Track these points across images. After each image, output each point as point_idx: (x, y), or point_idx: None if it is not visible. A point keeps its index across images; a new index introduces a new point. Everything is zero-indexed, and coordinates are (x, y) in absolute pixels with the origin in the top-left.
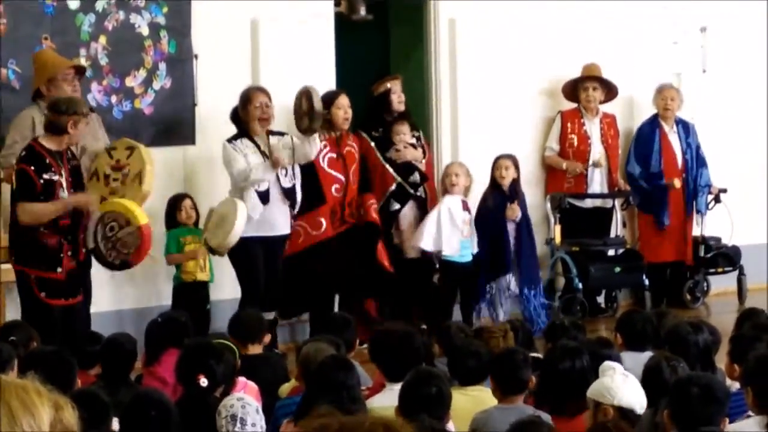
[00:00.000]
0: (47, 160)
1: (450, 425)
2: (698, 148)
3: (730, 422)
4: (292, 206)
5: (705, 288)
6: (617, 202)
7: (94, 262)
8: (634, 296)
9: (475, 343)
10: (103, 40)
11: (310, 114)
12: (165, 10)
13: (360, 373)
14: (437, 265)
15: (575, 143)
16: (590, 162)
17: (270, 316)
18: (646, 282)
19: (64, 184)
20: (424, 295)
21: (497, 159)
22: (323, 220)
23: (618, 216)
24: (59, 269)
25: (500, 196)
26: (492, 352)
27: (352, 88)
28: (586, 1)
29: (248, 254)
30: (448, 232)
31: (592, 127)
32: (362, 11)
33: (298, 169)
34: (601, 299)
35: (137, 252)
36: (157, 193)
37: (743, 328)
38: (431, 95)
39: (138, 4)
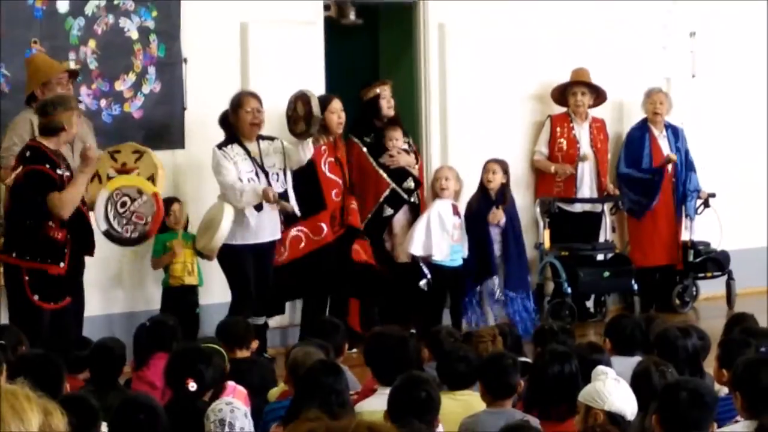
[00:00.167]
0: (53, 158)
1: (439, 429)
2: (687, 152)
3: (719, 427)
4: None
5: (694, 293)
6: (606, 207)
7: (92, 260)
8: (623, 301)
9: (464, 348)
10: (92, 44)
11: (307, 118)
12: (154, 14)
13: (349, 377)
14: (425, 270)
15: (564, 147)
16: (579, 156)
17: (260, 321)
18: (635, 287)
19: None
20: (413, 299)
21: (486, 163)
22: (324, 225)
23: (607, 221)
24: (62, 264)
25: (486, 200)
26: (481, 357)
27: (342, 92)
28: (576, 6)
29: (238, 261)
30: (437, 237)
31: (581, 132)
32: (352, 15)
33: (289, 175)
34: (590, 304)
35: (154, 220)
36: None
37: (732, 333)
38: (420, 100)
39: (127, 7)
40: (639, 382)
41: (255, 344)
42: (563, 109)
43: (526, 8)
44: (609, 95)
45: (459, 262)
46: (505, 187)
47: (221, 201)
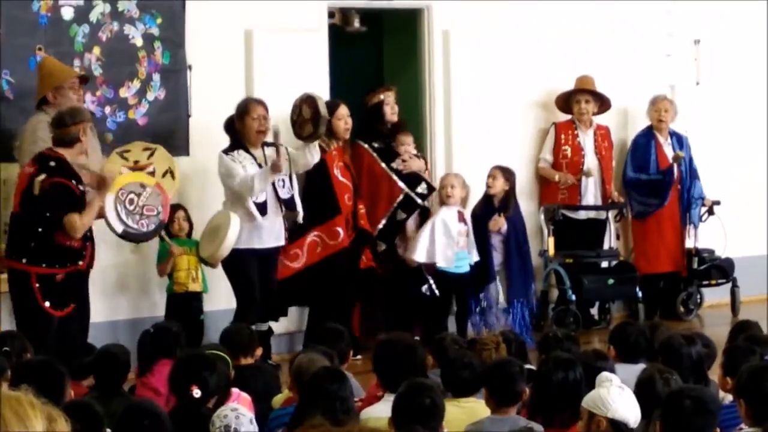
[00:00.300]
0: (76, 174)
1: None
2: (691, 160)
3: None
4: (291, 216)
5: (698, 300)
6: (611, 214)
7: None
8: (628, 308)
9: (469, 355)
10: (97, 50)
11: (314, 120)
12: (159, 21)
13: (353, 384)
14: (426, 276)
15: (569, 155)
16: (583, 171)
17: (264, 327)
18: (640, 294)
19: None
20: (419, 305)
21: (490, 169)
22: (340, 230)
23: (611, 228)
24: (81, 262)
25: (488, 207)
26: (484, 364)
27: (347, 99)
28: (580, 13)
29: (242, 266)
30: (442, 244)
31: (586, 139)
32: (356, 23)
33: (295, 181)
34: (594, 311)
35: (164, 208)
36: None
37: (736, 341)
38: (425, 107)
39: (132, 15)
40: (643, 390)
41: (259, 351)
42: (568, 117)
43: (531, 15)
44: (613, 102)
45: (465, 268)
46: (508, 195)
47: (227, 209)
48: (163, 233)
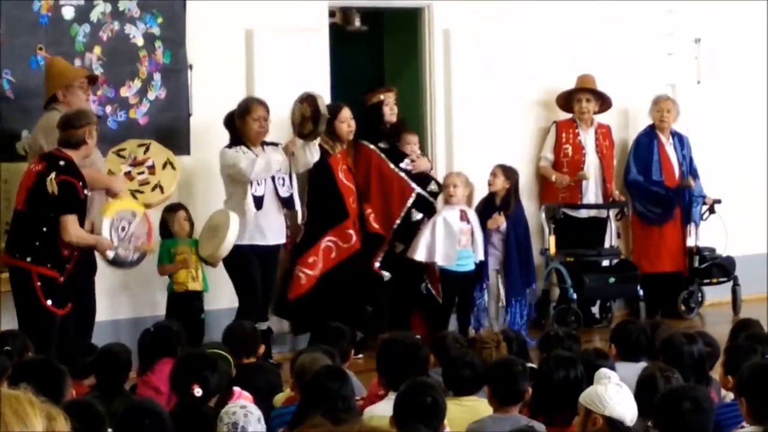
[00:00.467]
0: (83, 177)
1: None
2: (691, 159)
3: None
4: (291, 216)
5: (699, 298)
6: (612, 213)
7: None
8: (629, 307)
9: (470, 354)
10: (97, 50)
11: (314, 118)
12: (160, 20)
13: (354, 383)
14: (423, 276)
15: (570, 153)
16: (580, 174)
17: (263, 326)
18: (641, 292)
19: None
20: (420, 303)
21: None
22: (352, 232)
23: (612, 226)
24: (67, 266)
25: (488, 205)
26: (485, 363)
27: (347, 99)
28: (581, 12)
29: (244, 264)
30: (442, 243)
31: (587, 138)
32: (357, 22)
33: (295, 180)
34: (595, 310)
35: (148, 237)
36: None
37: (737, 339)
38: (426, 106)
39: (133, 14)
40: (644, 388)
41: (262, 349)
42: (569, 115)
43: (532, 14)
44: (614, 101)
45: (469, 267)
46: (509, 193)
47: (226, 208)
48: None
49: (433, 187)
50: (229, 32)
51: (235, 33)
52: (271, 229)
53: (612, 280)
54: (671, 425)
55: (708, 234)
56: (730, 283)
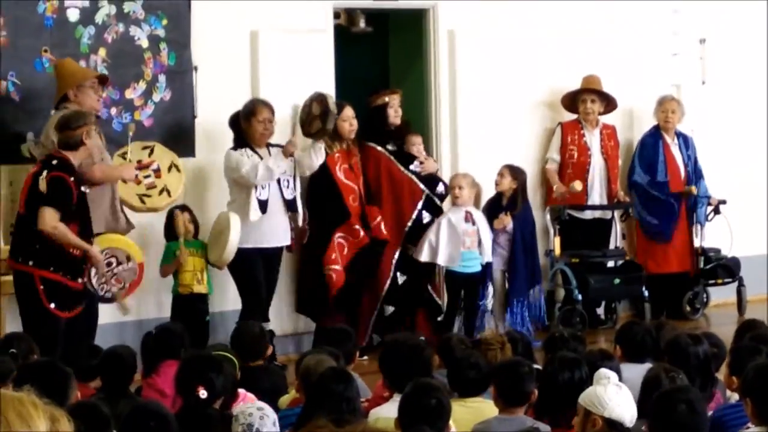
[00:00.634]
0: (78, 175)
1: None
2: (696, 160)
3: None
4: (293, 218)
5: (705, 299)
6: (617, 214)
7: None
8: (634, 308)
9: (475, 355)
10: (102, 52)
11: (323, 116)
12: (164, 22)
13: (360, 384)
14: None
15: (575, 155)
16: (572, 184)
17: (266, 328)
18: (646, 293)
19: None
20: (425, 304)
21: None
22: (358, 227)
23: (617, 227)
24: (80, 280)
25: (495, 206)
26: (490, 364)
27: (352, 99)
28: (586, 13)
29: (248, 266)
30: (446, 244)
31: (592, 139)
32: (362, 23)
33: (299, 183)
34: (600, 311)
35: (130, 288)
36: None
37: (742, 340)
38: (431, 106)
39: (138, 16)
40: (649, 389)
41: (270, 350)
42: (574, 116)
43: (536, 14)
44: (619, 102)
45: (475, 268)
46: (516, 193)
47: (231, 210)
48: (183, 248)
49: (440, 189)
50: (234, 34)
51: (240, 34)
52: (275, 232)
53: (617, 281)
54: (667, 427)
55: (713, 235)
56: (735, 284)
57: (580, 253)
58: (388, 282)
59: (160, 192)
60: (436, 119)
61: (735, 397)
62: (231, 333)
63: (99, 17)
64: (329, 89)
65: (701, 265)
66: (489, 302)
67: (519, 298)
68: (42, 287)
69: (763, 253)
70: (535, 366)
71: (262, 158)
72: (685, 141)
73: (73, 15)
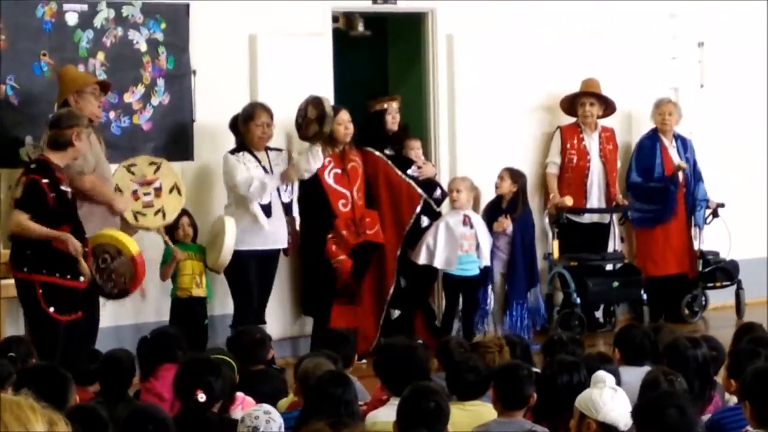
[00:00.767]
0: (57, 175)
1: None
2: (695, 163)
3: None
4: (290, 221)
5: (703, 302)
6: (615, 217)
7: None
8: (633, 311)
9: (474, 358)
10: (101, 56)
11: (320, 119)
12: (163, 26)
13: (358, 388)
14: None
15: (575, 160)
16: (562, 199)
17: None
18: (645, 297)
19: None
20: (425, 307)
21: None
22: (345, 233)
23: (616, 231)
24: (82, 278)
25: (495, 208)
26: (489, 367)
27: (351, 104)
28: (584, 17)
29: (241, 270)
30: (443, 247)
31: (591, 143)
32: (360, 27)
33: (296, 186)
34: (599, 314)
35: (132, 280)
36: None
37: (741, 343)
38: (429, 111)
39: (136, 20)
40: (648, 392)
41: (271, 354)
42: (572, 120)
43: (535, 18)
44: (618, 105)
45: (473, 272)
46: (516, 196)
47: (223, 215)
48: (167, 238)
49: (438, 193)
50: (233, 37)
51: (239, 38)
52: (272, 235)
53: (616, 284)
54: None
55: (712, 238)
56: (734, 287)
57: (578, 257)
58: (392, 286)
59: (156, 212)
60: (435, 123)
61: (733, 400)
62: (229, 336)
63: (98, 21)
64: (328, 93)
65: (700, 268)
66: (490, 306)
67: (518, 301)
68: (41, 291)
69: (761, 256)
70: (534, 369)
71: (260, 161)
72: (683, 143)
73: (71, 19)
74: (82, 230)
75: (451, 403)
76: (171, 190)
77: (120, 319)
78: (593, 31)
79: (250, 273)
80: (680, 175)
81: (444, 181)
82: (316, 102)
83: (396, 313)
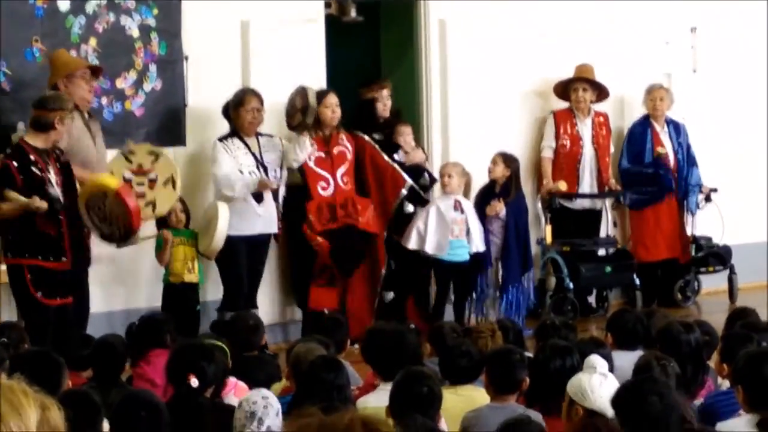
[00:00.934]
0: (32, 157)
1: (442, 425)
2: (689, 147)
3: (721, 421)
4: (278, 207)
5: (696, 287)
6: (608, 202)
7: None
8: (626, 296)
9: (467, 343)
10: (93, 42)
11: (303, 109)
12: (155, 11)
13: (350, 373)
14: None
15: (567, 145)
16: (556, 184)
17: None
18: (637, 281)
19: (53, 180)
20: (419, 292)
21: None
22: (310, 216)
23: (608, 216)
24: (64, 258)
25: (488, 193)
26: (481, 352)
27: (343, 89)
28: (577, 2)
29: (231, 255)
30: (434, 232)
31: (584, 128)
32: (353, 13)
33: (285, 173)
34: (592, 299)
35: (128, 215)
36: None
37: (734, 328)
38: (422, 96)
39: (128, 5)
40: (628, 380)
41: (264, 339)
42: (565, 104)
43: (527, 4)
44: (610, 90)
45: (463, 257)
46: (510, 181)
47: (215, 200)
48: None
49: (424, 179)
50: (225, 23)
51: (231, 24)
52: (262, 219)
53: (608, 269)
54: (637, 419)
55: (704, 223)
56: (727, 272)
57: (571, 242)
58: (384, 269)
59: (147, 204)
60: (428, 108)
61: (726, 384)
62: (214, 320)
63: (89, 7)
64: (320, 79)
65: (693, 253)
66: (490, 289)
67: (514, 284)
68: (29, 276)
69: (754, 240)
70: (527, 354)
71: (249, 147)
72: (676, 128)
73: (63, 5)
74: (73, 213)
75: (444, 388)
76: (166, 183)
77: (112, 305)
78: (586, 17)
79: (240, 258)
80: (670, 157)
81: (436, 165)
82: (302, 93)
83: (390, 295)
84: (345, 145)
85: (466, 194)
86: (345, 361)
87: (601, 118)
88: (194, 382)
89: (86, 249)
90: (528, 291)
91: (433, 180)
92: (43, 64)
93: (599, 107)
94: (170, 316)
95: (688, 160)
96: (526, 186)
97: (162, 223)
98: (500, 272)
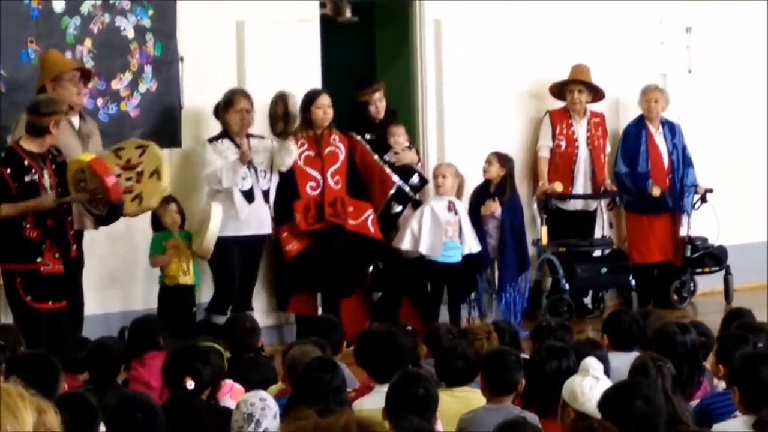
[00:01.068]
0: (26, 162)
1: (438, 426)
2: (684, 148)
3: (717, 422)
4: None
5: (692, 288)
6: (603, 203)
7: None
8: (621, 297)
9: (463, 345)
10: (88, 43)
11: (285, 117)
12: (150, 12)
13: (347, 374)
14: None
15: (563, 146)
16: (552, 185)
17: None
18: (633, 282)
19: (47, 185)
20: (415, 295)
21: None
22: (296, 215)
23: (604, 216)
24: (39, 259)
25: (483, 192)
26: (477, 354)
27: (338, 90)
28: (573, 2)
29: (223, 257)
30: (428, 233)
31: (579, 129)
32: (348, 13)
33: (276, 175)
34: (588, 300)
35: (105, 188)
36: None
37: (729, 328)
38: (417, 96)
39: (123, 6)
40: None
41: (261, 341)
42: (561, 104)
43: (522, 4)
44: (606, 91)
45: (456, 258)
46: (505, 180)
47: (209, 201)
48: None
49: (414, 180)
50: (220, 24)
51: (226, 24)
52: (254, 220)
53: (604, 270)
54: (624, 422)
55: (700, 223)
56: (723, 273)
57: (567, 243)
58: (371, 268)
59: (133, 198)
60: (423, 109)
61: (722, 385)
62: (200, 319)
63: (85, 8)
64: (316, 79)
65: (688, 253)
66: (487, 289)
67: (511, 284)
68: (19, 280)
69: (750, 241)
70: (523, 355)
71: (240, 148)
72: (671, 129)
73: (58, 6)
74: (64, 213)
75: (440, 390)
76: (151, 175)
77: (108, 307)
78: (581, 17)
79: (233, 259)
80: (656, 191)
81: (431, 166)
82: (283, 99)
83: (377, 295)
84: (337, 146)
85: (458, 195)
86: (341, 363)
87: (597, 119)
88: (190, 384)
89: (78, 251)
90: (524, 292)
91: (423, 181)
92: (38, 66)
93: (595, 107)
94: (162, 319)
95: (683, 160)
96: (522, 187)
97: (157, 224)
98: (497, 272)
